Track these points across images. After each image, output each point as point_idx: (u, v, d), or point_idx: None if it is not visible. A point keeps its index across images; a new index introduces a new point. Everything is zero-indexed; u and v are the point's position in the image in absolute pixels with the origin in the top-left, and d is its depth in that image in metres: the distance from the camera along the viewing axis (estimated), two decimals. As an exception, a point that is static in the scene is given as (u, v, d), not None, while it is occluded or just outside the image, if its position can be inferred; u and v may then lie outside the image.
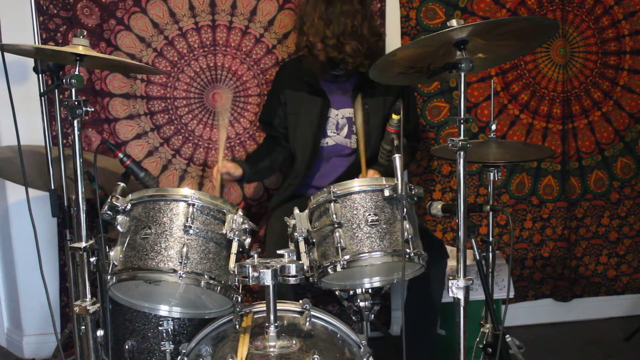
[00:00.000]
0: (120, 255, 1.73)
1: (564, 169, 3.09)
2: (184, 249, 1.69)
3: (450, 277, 1.72)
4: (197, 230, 1.72)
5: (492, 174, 2.20)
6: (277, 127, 2.63)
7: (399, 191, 1.73)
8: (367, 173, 2.37)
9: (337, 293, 2.11)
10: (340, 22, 2.37)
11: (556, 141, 3.06)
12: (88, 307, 1.71)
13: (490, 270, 2.20)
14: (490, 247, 2.21)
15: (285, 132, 2.61)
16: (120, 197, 1.77)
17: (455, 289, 1.71)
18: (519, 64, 2.99)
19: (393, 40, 2.87)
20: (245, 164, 2.50)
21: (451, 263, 2.36)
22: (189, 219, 1.71)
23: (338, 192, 1.79)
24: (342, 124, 2.55)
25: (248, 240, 1.79)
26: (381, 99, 2.51)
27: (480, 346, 2.18)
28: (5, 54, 1.89)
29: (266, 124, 2.69)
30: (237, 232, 1.76)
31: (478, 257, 2.07)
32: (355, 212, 1.77)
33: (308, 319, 1.78)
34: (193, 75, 2.81)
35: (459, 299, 1.72)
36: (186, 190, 1.76)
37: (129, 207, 1.77)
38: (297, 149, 2.57)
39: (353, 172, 2.42)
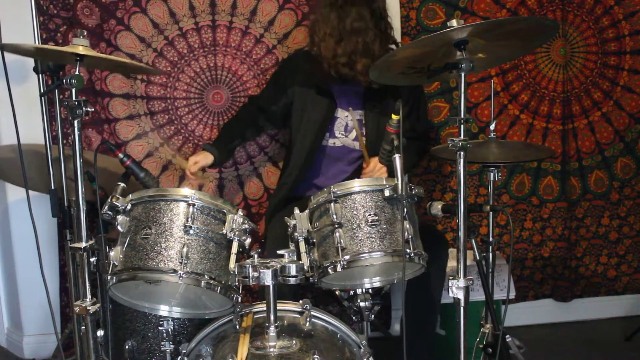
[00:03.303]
0: (121, 255, 1.73)
1: (564, 169, 3.09)
2: (184, 249, 1.69)
3: (450, 277, 1.73)
4: (197, 231, 1.72)
5: (492, 174, 2.20)
6: (273, 112, 2.62)
7: (399, 191, 1.73)
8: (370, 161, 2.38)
9: (337, 293, 2.11)
10: (352, 40, 2.32)
11: (556, 141, 3.06)
12: (88, 307, 1.71)
13: (490, 270, 2.20)
14: (490, 247, 2.20)
15: (276, 118, 2.63)
16: (120, 197, 1.77)
17: (455, 289, 1.71)
18: (519, 64, 2.99)
19: (393, 40, 2.87)
20: (213, 149, 2.50)
21: (451, 263, 2.36)
22: (189, 219, 1.71)
23: (338, 192, 1.79)
24: (351, 126, 2.51)
25: (248, 241, 1.78)
26: (391, 101, 2.46)
27: (481, 346, 2.18)
28: (6, 53, 1.89)
29: (260, 108, 2.65)
30: (237, 232, 1.76)
31: (478, 257, 2.07)
32: (355, 212, 1.77)
33: (308, 319, 1.78)
34: (193, 76, 2.81)
35: (459, 299, 1.72)
36: (186, 191, 1.76)
37: (129, 207, 1.77)
38: (296, 147, 2.53)
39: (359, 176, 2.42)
